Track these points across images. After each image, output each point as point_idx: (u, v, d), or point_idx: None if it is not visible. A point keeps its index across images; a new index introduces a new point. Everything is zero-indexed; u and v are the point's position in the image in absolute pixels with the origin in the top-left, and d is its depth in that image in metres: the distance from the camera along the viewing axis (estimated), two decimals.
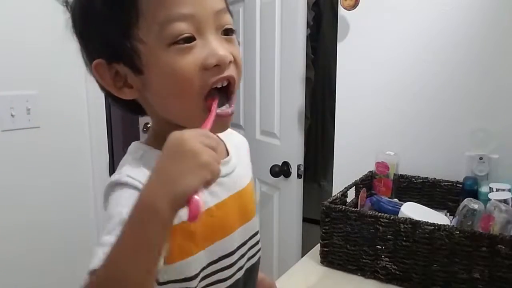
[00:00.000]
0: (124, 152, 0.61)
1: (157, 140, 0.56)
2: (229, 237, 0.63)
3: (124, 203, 0.48)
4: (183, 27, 0.50)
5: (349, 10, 1.49)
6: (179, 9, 0.49)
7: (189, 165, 0.42)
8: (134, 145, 0.61)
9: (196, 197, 0.41)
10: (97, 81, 0.57)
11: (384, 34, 1.47)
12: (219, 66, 0.52)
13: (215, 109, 0.52)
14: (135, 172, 0.52)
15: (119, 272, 0.42)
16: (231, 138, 0.70)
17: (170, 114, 0.57)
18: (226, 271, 0.63)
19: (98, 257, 0.46)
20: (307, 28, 2.03)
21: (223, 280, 0.63)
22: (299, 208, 2.08)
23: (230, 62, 0.53)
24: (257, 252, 0.71)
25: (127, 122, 3.97)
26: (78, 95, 1.51)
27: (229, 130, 0.62)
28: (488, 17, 1.31)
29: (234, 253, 0.64)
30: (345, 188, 1.25)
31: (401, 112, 1.47)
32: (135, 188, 0.50)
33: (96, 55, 0.53)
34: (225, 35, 0.54)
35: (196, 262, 0.58)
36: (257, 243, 0.71)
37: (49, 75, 1.41)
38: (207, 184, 0.43)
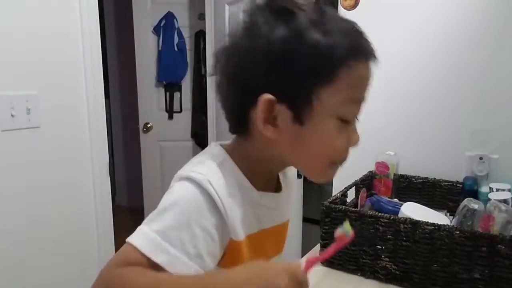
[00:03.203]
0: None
1: (243, 159, 0.61)
2: None
3: (188, 208, 0.53)
4: (356, 111, 0.57)
5: (349, 10, 1.49)
6: (361, 95, 0.57)
7: None
8: (216, 147, 0.63)
9: None
10: (239, 99, 0.58)
11: (384, 34, 1.47)
12: (353, 147, 0.59)
13: (339, 244, 0.55)
14: (214, 179, 0.56)
15: None
16: (289, 176, 0.74)
17: (294, 161, 0.61)
18: None
19: (142, 235, 0.51)
20: None
21: None
22: (299, 208, 2.08)
23: None
24: None
25: (127, 122, 3.98)
26: (78, 95, 1.51)
27: (290, 169, 0.70)
28: (488, 17, 1.31)
29: None
30: (345, 188, 1.25)
31: (401, 112, 1.47)
32: (211, 195, 0.54)
33: (268, 89, 0.54)
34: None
35: None
36: None
37: (49, 75, 1.41)
38: None
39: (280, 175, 0.70)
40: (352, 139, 0.58)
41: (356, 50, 0.54)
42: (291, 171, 0.75)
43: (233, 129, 0.62)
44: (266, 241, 0.66)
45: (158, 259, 0.50)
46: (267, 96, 0.54)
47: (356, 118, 0.60)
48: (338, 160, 0.59)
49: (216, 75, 0.60)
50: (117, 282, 0.49)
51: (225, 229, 0.56)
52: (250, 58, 0.55)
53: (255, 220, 0.62)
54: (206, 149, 0.65)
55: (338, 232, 0.54)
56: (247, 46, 0.56)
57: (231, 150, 0.62)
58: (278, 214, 0.68)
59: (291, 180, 0.75)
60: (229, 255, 0.58)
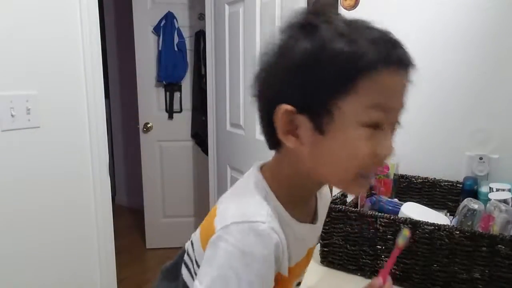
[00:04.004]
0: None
1: (281, 187, 0.60)
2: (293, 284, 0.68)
3: (255, 269, 0.53)
4: (380, 117, 0.54)
5: (349, 10, 1.49)
6: (387, 102, 0.54)
7: None
8: (258, 178, 0.62)
9: None
10: (262, 112, 0.59)
11: None
12: (385, 157, 0.57)
13: (395, 257, 0.62)
14: (274, 223, 0.56)
15: None
16: (324, 195, 0.73)
17: (320, 174, 0.59)
18: None
19: None
20: None
21: None
22: None
23: None
24: None
25: (127, 122, 3.98)
26: (78, 95, 1.51)
27: (326, 187, 0.72)
28: (489, 17, 1.31)
29: None
30: None
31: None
32: (277, 247, 0.54)
33: (290, 99, 0.55)
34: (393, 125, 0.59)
35: None
36: None
37: (49, 75, 1.41)
38: None
39: (318, 197, 0.70)
40: (381, 148, 0.56)
41: (381, 57, 0.52)
42: (325, 189, 0.75)
43: (268, 144, 0.63)
44: (302, 264, 0.67)
45: None
46: (285, 106, 0.54)
47: (394, 126, 0.58)
48: (365, 170, 0.56)
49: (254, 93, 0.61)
50: None
51: (277, 266, 0.57)
52: (274, 72, 0.56)
53: (298, 250, 0.63)
54: (248, 174, 0.64)
55: (400, 241, 0.63)
56: (273, 61, 0.57)
57: (273, 182, 0.61)
58: (312, 238, 0.70)
59: (326, 199, 0.75)
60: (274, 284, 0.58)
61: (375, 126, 0.54)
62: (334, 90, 0.53)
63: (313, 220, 0.68)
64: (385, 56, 0.53)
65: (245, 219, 0.54)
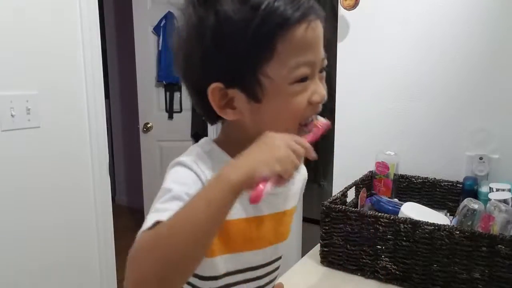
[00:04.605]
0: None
1: (230, 146, 0.62)
2: (259, 251, 0.66)
3: (180, 181, 0.55)
4: (306, 71, 0.57)
5: (349, 10, 1.49)
6: (307, 57, 0.56)
7: (268, 156, 0.49)
8: (205, 140, 0.65)
9: (262, 185, 0.47)
10: (195, 96, 0.62)
11: (384, 34, 1.47)
12: (319, 102, 0.60)
13: (321, 127, 0.61)
14: (201, 161, 0.59)
15: (186, 220, 0.46)
16: None
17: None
18: (250, 283, 0.66)
19: (150, 221, 0.50)
20: None
21: None
22: (299, 208, 2.08)
23: None
24: (276, 277, 0.73)
25: (127, 122, 3.98)
26: (78, 95, 1.51)
27: None
28: (489, 19, 1.31)
29: (259, 268, 0.67)
30: (345, 188, 1.25)
31: (401, 112, 1.47)
32: (195, 173, 0.57)
33: (215, 78, 0.56)
34: (320, 72, 0.62)
35: (221, 263, 0.62)
36: (278, 267, 0.73)
37: (49, 75, 1.41)
38: (278, 182, 0.49)
39: None
40: (314, 96, 0.58)
41: (286, 15, 0.53)
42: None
43: (208, 120, 0.65)
44: (264, 227, 0.66)
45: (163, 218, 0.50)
46: (212, 86, 0.56)
47: (321, 73, 0.60)
48: (305, 119, 0.60)
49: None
50: (146, 239, 0.48)
51: None
52: (191, 56, 0.58)
53: (249, 205, 0.61)
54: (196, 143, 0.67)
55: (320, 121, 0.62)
56: (187, 46, 0.58)
57: (218, 140, 0.64)
58: (278, 201, 0.68)
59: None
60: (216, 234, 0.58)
61: (304, 79, 0.57)
62: (254, 60, 0.55)
63: None
64: (292, 14, 0.53)
65: (175, 161, 0.59)
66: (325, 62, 0.61)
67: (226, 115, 0.59)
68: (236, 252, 0.63)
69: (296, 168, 0.50)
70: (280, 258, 0.73)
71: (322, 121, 0.62)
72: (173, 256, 0.45)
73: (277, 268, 0.73)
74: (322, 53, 0.59)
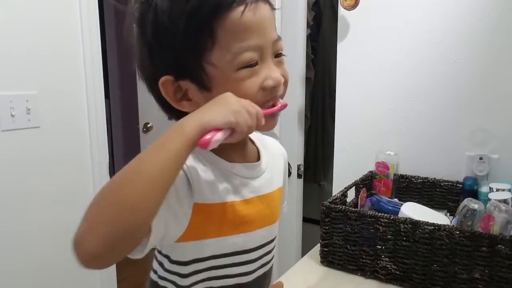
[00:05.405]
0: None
1: None
2: (249, 234, 0.65)
3: None
4: (252, 56, 0.56)
5: (349, 10, 1.49)
6: (251, 41, 0.55)
7: (221, 108, 0.51)
8: None
9: (214, 132, 0.49)
10: (152, 92, 0.63)
11: (384, 34, 1.47)
12: (274, 87, 0.58)
13: (279, 105, 0.61)
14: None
15: (139, 165, 0.47)
16: (270, 147, 0.74)
17: None
18: (238, 267, 0.65)
19: None
20: (307, 28, 2.03)
21: (232, 276, 0.64)
22: (299, 208, 2.08)
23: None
24: (270, 260, 0.72)
25: (127, 122, 3.98)
26: (78, 95, 1.51)
27: (272, 141, 0.75)
28: (489, 18, 1.31)
29: (251, 251, 0.66)
30: (345, 188, 1.25)
31: (401, 112, 1.47)
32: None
33: (164, 71, 0.57)
34: (276, 57, 0.61)
35: (209, 246, 0.61)
36: (271, 250, 0.72)
37: (49, 75, 1.41)
38: (230, 134, 0.51)
39: (260, 147, 0.70)
40: (267, 80, 0.57)
41: (218, 2, 0.53)
42: (271, 141, 0.77)
43: (168, 114, 0.65)
44: (251, 210, 0.65)
45: None
46: (162, 79, 0.57)
47: (276, 56, 0.59)
48: (261, 105, 0.57)
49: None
50: (104, 185, 0.48)
51: (190, 192, 0.57)
52: (140, 52, 0.59)
53: (233, 190, 0.62)
54: None
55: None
56: (136, 41, 0.60)
57: None
58: (262, 185, 0.67)
59: (274, 150, 0.75)
60: (198, 217, 0.58)
61: (252, 65, 0.56)
62: (196, 49, 0.55)
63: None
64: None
65: None
66: (279, 45, 0.60)
67: (183, 107, 0.59)
68: (222, 236, 0.62)
69: (248, 126, 0.51)
70: (273, 239, 0.72)
71: (281, 102, 0.62)
72: (128, 200, 0.45)
73: (270, 251, 0.71)
74: (272, 36, 0.58)
